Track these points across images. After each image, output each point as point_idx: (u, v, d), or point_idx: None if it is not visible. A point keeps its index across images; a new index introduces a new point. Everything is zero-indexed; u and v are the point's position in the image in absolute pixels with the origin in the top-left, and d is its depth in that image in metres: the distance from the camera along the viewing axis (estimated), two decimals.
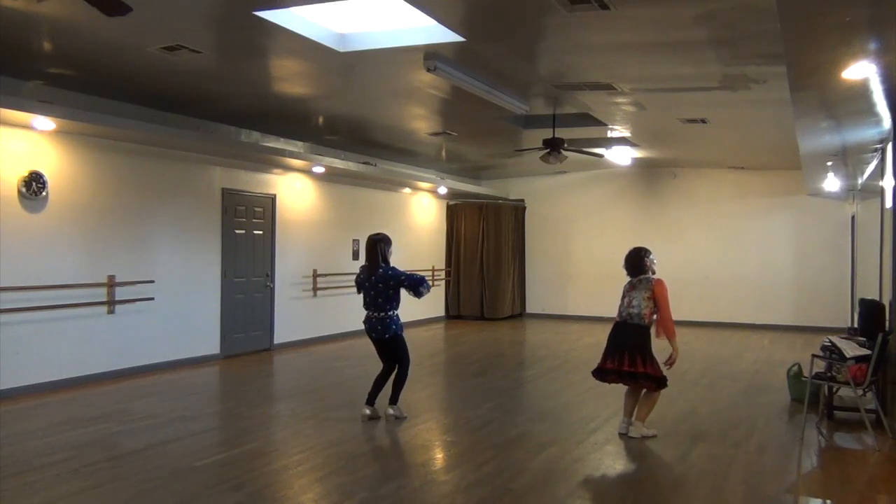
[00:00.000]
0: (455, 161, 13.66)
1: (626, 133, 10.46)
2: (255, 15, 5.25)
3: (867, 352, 5.88)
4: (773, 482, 4.78)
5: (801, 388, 6.77)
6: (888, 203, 7.24)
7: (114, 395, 7.26)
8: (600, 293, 13.34)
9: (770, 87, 6.88)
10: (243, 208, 9.90)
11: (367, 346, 6.72)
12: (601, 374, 5.81)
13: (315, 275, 11.06)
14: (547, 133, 9.44)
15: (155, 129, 7.97)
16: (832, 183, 11.68)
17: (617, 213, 14.55)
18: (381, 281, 6.18)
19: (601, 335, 6.14)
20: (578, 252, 14.92)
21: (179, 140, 8.45)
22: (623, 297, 5.84)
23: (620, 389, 6.02)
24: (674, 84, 7.30)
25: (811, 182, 11.81)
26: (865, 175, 10.20)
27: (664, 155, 12.84)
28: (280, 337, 10.46)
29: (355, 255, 11.79)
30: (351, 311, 12.29)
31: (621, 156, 12.25)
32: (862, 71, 4.84)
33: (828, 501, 4.67)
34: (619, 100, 8.13)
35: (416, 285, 6.21)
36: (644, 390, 5.78)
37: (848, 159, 9.17)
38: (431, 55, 6.14)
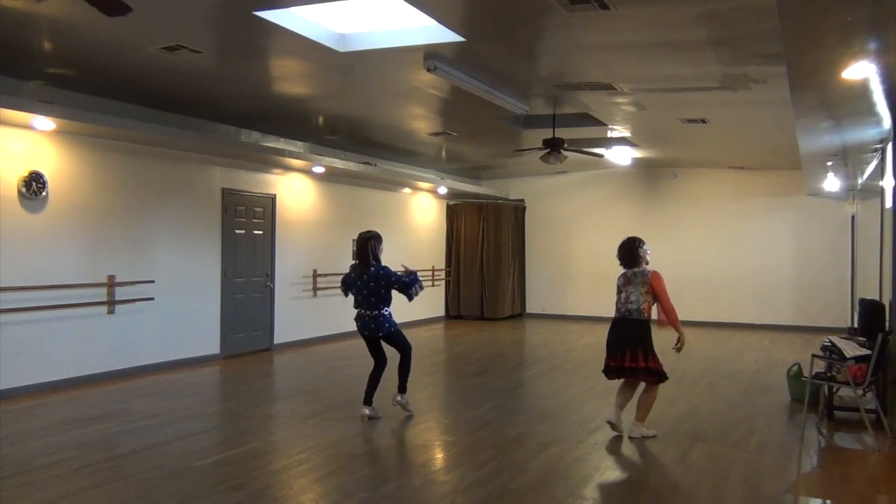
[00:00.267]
0: (455, 161, 13.66)
1: (626, 133, 10.46)
2: (255, 15, 5.25)
3: (867, 352, 5.88)
4: (773, 482, 4.78)
5: (801, 388, 6.77)
6: (888, 203, 7.24)
7: (114, 395, 7.26)
8: (600, 293, 13.31)
9: (770, 87, 6.88)
10: (243, 208, 9.90)
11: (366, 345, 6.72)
12: (607, 370, 5.80)
13: (315, 275, 11.06)
14: (547, 133, 9.44)
15: (155, 129, 7.97)
16: (832, 183, 11.68)
17: (617, 213, 14.54)
18: (373, 280, 6.14)
19: (601, 335, 6.13)
20: (578, 252, 14.91)
21: (179, 140, 8.45)
22: (619, 291, 5.79)
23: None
24: (674, 84, 7.30)
25: (811, 182, 11.81)
26: (865, 175, 10.19)
27: (664, 155, 12.84)
28: (280, 337, 10.46)
29: (355, 256, 11.77)
30: (351, 311, 12.30)
31: (621, 156, 12.25)
32: (862, 71, 4.84)
33: (828, 501, 4.68)
34: (619, 100, 8.13)
35: (408, 287, 6.17)
36: (643, 387, 5.77)
37: (848, 159, 9.17)
38: (431, 55, 6.13)
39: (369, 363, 6.42)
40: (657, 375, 5.66)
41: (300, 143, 10.81)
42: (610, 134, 10.41)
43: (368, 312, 6.19)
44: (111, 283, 8.00)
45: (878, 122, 6.71)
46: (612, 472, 4.98)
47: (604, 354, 5.84)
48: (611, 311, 5.83)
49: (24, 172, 7.11)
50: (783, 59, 4.71)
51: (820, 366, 6.20)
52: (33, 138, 7.24)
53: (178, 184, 8.90)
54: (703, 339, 11.95)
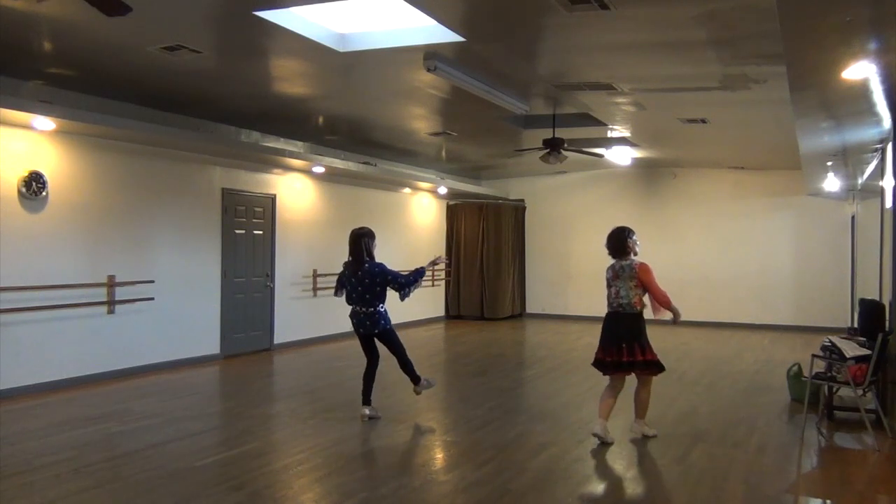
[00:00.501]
0: (455, 161, 13.66)
1: (626, 133, 10.46)
2: (255, 15, 5.25)
3: (867, 352, 5.88)
4: (773, 482, 4.78)
5: (801, 388, 6.76)
6: (888, 203, 7.24)
7: (114, 395, 7.27)
8: (601, 293, 13.20)
9: (770, 87, 6.88)
10: (243, 208, 9.90)
11: None
12: (602, 365, 5.71)
13: (315, 275, 11.06)
14: (547, 133, 9.44)
15: (155, 129, 7.97)
16: (832, 183, 11.68)
17: (617, 213, 14.47)
18: (367, 276, 6.11)
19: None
20: (578, 252, 14.91)
21: (179, 140, 8.45)
22: (609, 286, 5.70)
23: (624, 389, 5.99)
24: (674, 84, 7.30)
25: (811, 182, 11.81)
26: (865, 175, 10.20)
27: (664, 155, 12.84)
28: (280, 337, 10.46)
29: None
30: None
31: (621, 156, 12.25)
32: (862, 71, 4.84)
33: (828, 501, 4.68)
34: (619, 100, 8.13)
35: (404, 286, 6.14)
36: (633, 386, 5.72)
37: (848, 159, 9.17)
38: (431, 55, 6.13)
39: None
40: (655, 367, 5.64)
41: (300, 143, 10.81)
42: (610, 134, 10.41)
43: (363, 309, 6.17)
44: (111, 283, 8.00)
45: (878, 122, 6.71)
46: (612, 472, 4.98)
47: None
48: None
49: (24, 172, 7.11)
50: (783, 59, 4.71)
51: (820, 366, 6.19)
52: (33, 138, 7.24)
53: (178, 184, 8.90)
54: (703, 339, 11.95)
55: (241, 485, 4.56)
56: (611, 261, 5.82)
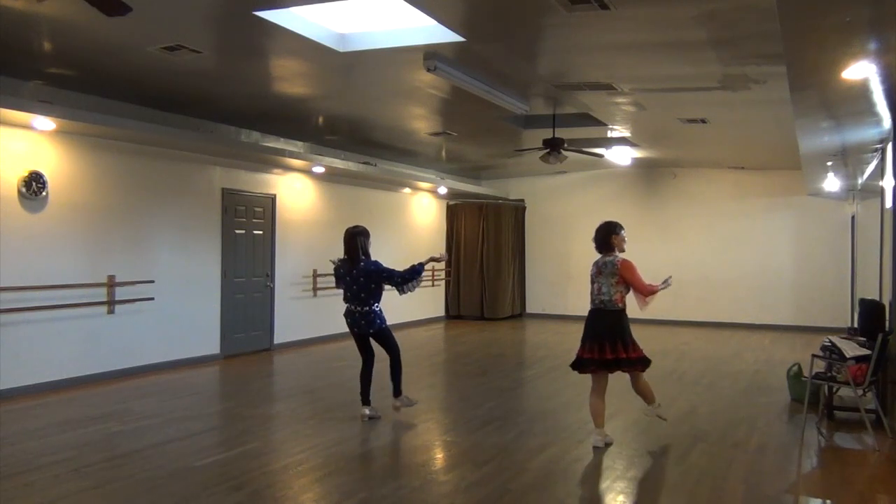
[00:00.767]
0: (455, 161, 13.66)
1: (626, 133, 10.46)
2: (255, 15, 5.26)
3: (867, 352, 5.88)
4: (773, 482, 4.78)
5: (801, 388, 6.76)
6: (888, 203, 7.24)
7: (114, 395, 7.27)
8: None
9: (770, 87, 6.88)
10: (243, 208, 9.90)
11: None
12: (579, 363, 5.50)
13: (315, 275, 11.06)
14: (547, 133, 9.44)
15: (155, 129, 7.97)
16: (832, 183, 11.68)
17: (617, 213, 14.31)
18: (362, 275, 6.08)
19: None
20: (578, 252, 14.88)
21: (179, 140, 8.45)
22: (592, 282, 5.54)
23: (620, 388, 5.99)
24: (674, 84, 7.30)
25: (811, 182, 11.82)
26: (865, 175, 10.20)
27: (664, 155, 12.84)
28: (280, 337, 10.46)
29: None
30: None
31: (621, 156, 12.25)
32: (862, 71, 4.84)
33: (828, 501, 4.67)
34: (619, 100, 8.13)
35: (401, 283, 6.07)
36: (630, 380, 5.66)
37: (848, 159, 9.17)
38: (431, 55, 6.13)
39: None
40: (639, 363, 5.48)
41: (300, 143, 10.81)
42: (610, 134, 10.41)
43: (359, 308, 6.13)
44: (111, 283, 8.00)
45: (878, 122, 6.71)
46: (612, 472, 4.98)
47: None
48: None
49: (24, 172, 7.11)
50: (783, 59, 4.71)
51: (820, 366, 6.20)
52: (33, 138, 7.24)
53: (178, 184, 8.90)
54: (703, 339, 11.96)
55: (241, 485, 4.56)
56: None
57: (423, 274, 6.25)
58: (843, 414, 6.45)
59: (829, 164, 9.69)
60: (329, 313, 11.21)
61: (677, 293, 14.50)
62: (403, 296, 6.40)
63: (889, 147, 7.14)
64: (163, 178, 8.68)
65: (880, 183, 8.04)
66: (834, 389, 6.29)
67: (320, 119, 9.57)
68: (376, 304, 6.16)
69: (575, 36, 5.82)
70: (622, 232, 5.58)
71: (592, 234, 5.61)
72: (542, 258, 15.47)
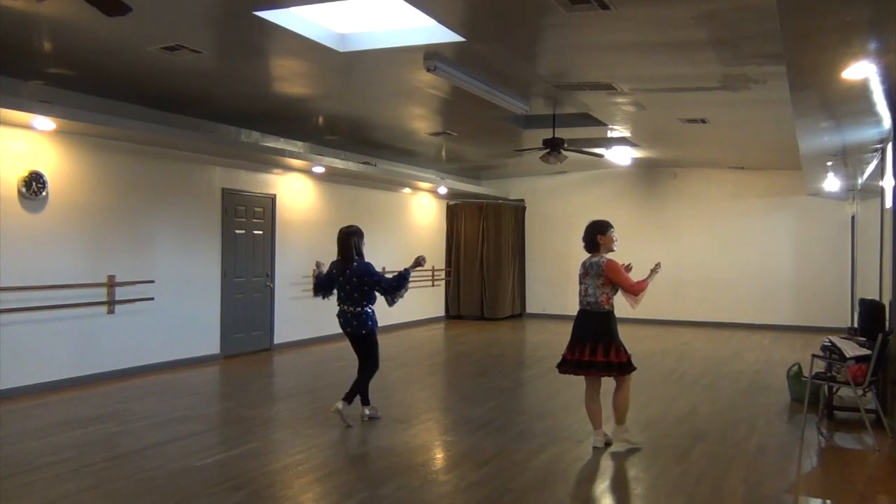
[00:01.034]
0: (455, 161, 13.66)
1: (626, 133, 10.46)
2: (255, 15, 5.26)
3: (867, 352, 5.88)
4: (773, 482, 4.78)
5: (801, 388, 6.76)
6: (888, 203, 7.24)
7: (114, 395, 7.27)
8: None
9: (770, 87, 6.88)
10: (243, 208, 9.90)
11: None
12: (563, 364, 5.43)
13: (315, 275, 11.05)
14: (547, 133, 9.44)
15: (155, 129, 7.97)
16: (832, 183, 11.68)
17: (617, 213, 14.45)
18: (356, 275, 6.03)
19: None
20: (578, 252, 14.71)
21: (179, 140, 8.45)
22: (580, 282, 5.47)
23: None
24: (674, 84, 7.30)
25: (811, 182, 11.82)
26: (865, 175, 10.20)
27: (664, 155, 12.84)
28: (280, 337, 10.46)
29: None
30: None
31: (621, 156, 12.25)
32: (862, 71, 4.84)
33: (828, 501, 4.67)
34: (619, 100, 8.13)
35: (392, 291, 5.99)
36: (614, 386, 5.44)
37: (848, 159, 9.17)
38: (431, 55, 6.13)
39: None
40: (619, 368, 5.28)
41: (300, 143, 10.81)
42: (610, 134, 10.41)
43: (351, 309, 6.07)
44: (111, 283, 8.00)
45: (878, 122, 6.72)
46: (611, 472, 4.98)
47: None
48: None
49: (24, 172, 7.11)
50: (783, 59, 4.71)
51: (820, 366, 6.20)
52: (33, 138, 7.24)
53: (178, 184, 8.90)
54: (703, 339, 11.96)
55: (241, 485, 4.56)
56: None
57: (409, 282, 6.12)
58: (843, 414, 6.45)
59: (829, 164, 9.69)
60: (329, 313, 11.13)
61: (677, 293, 14.69)
62: (392, 307, 6.28)
63: (889, 147, 7.14)
64: (163, 178, 8.68)
65: (880, 183, 8.04)
66: (834, 389, 6.29)
67: (320, 119, 9.57)
68: (369, 306, 6.10)
69: (575, 36, 5.82)
70: (610, 231, 5.46)
71: (615, 236, 5.50)
72: (542, 258, 15.46)
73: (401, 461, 5.20)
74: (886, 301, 6.90)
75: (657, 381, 8.33)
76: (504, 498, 4.40)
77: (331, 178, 11.36)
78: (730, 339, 12.04)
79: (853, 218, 12.77)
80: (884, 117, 6.49)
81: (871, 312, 6.75)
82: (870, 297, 7.83)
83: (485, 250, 15.14)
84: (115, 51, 6.23)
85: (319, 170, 10.69)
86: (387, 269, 12.72)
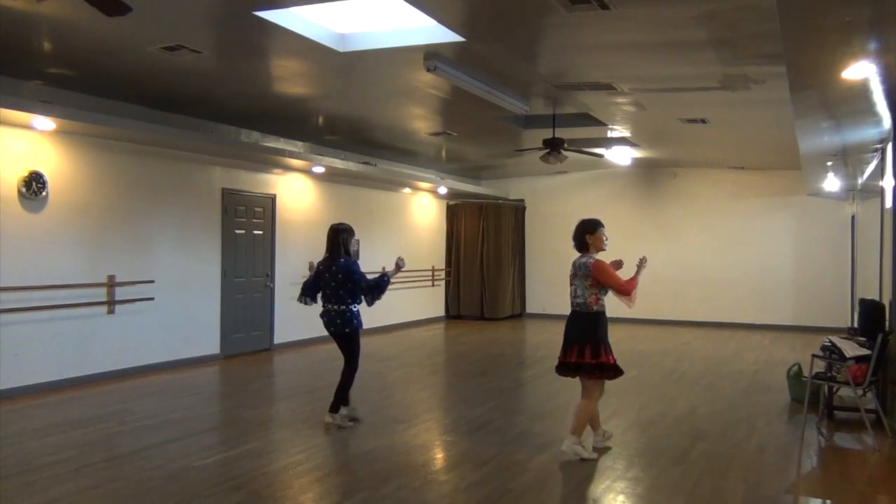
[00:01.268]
0: (455, 161, 13.66)
1: (626, 133, 10.46)
2: (255, 15, 5.26)
3: (867, 352, 5.88)
4: (773, 482, 4.78)
5: (801, 388, 6.76)
6: (888, 203, 7.24)
7: (114, 395, 7.26)
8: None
9: (770, 87, 6.88)
10: (243, 208, 9.90)
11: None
12: (558, 367, 5.35)
13: None
14: (547, 133, 9.44)
15: (155, 129, 7.98)
16: (832, 183, 11.68)
17: (617, 213, 14.51)
18: (341, 272, 5.94)
19: None
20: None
21: (179, 140, 8.45)
22: (570, 283, 5.31)
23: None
24: (674, 84, 7.30)
25: (811, 182, 11.82)
26: (865, 175, 10.20)
27: (664, 155, 12.84)
28: (280, 337, 10.46)
29: (355, 255, 11.77)
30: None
31: (621, 156, 12.25)
32: (862, 71, 4.84)
33: (828, 501, 4.67)
34: (619, 100, 8.13)
35: (370, 292, 5.91)
36: (581, 399, 5.31)
37: (848, 159, 9.17)
38: (431, 55, 6.13)
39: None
40: (604, 370, 5.15)
41: (300, 143, 10.81)
42: (610, 134, 10.41)
43: (335, 307, 5.97)
44: (111, 283, 8.00)
45: (878, 122, 6.72)
46: (612, 472, 4.97)
47: None
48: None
49: (24, 172, 7.11)
50: (783, 59, 4.71)
51: (820, 366, 6.19)
52: (33, 138, 7.24)
53: (178, 184, 8.90)
54: (703, 339, 11.95)
55: (241, 485, 4.56)
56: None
57: (389, 285, 6.03)
58: (843, 414, 6.45)
59: (829, 164, 9.69)
60: None
61: (677, 293, 14.69)
62: (370, 307, 6.18)
63: (889, 147, 7.14)
64: (163, 178, 8.68)
65: (880, 183, 8.04)
66: (834, 389, 6.29)
67: (320, 119, 9.57)
68: (354, 305, 5.99)
69: (575, 36, 5.82)
70: (600, 230, 5.29)
71: (605, 235, 5.42)
72: (542, 258, 15.46)
73: (401, 461, 5.20)
74: (886, 301, 6.90)
75: (657, 381, 8.33)
76: (504, 498, 4.40)
77: (331, 178, 11.36)
78: (730, 339, 12.04)
79: (853, 218, 12.77)
80: (884, 117, 6.50)
81: (871, 312, 6.75)
82: (870, 297, 7.83)
83: (485, 250, 15.14)
84: (115, 51, 6.23)
85: (319, 170, 10.69)
86: (387, 269, 12.74)
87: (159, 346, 8.59)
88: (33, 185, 7.19)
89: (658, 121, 9.42)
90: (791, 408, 6.93)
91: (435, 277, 14.71)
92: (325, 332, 6.18)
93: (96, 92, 7.66)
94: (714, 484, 4.72)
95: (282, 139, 10.44)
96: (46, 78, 7.11)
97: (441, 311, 15.13)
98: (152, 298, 8.42)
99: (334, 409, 6.03)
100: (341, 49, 6.15)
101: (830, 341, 6.30)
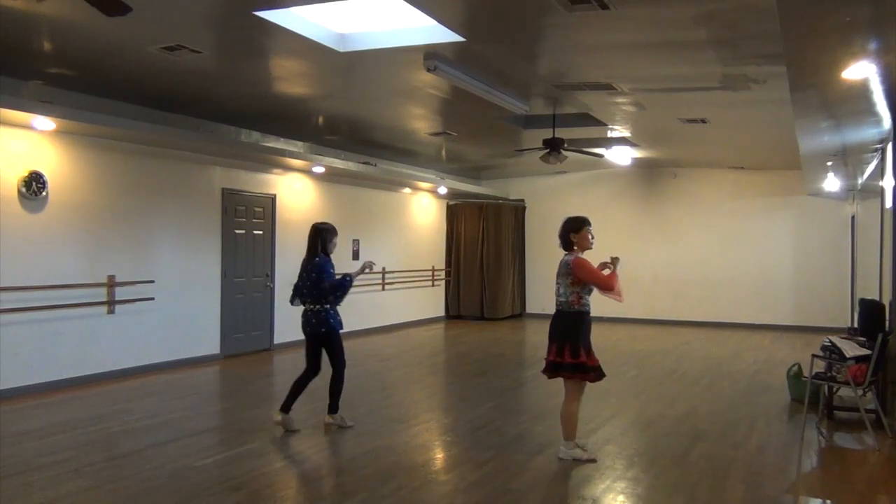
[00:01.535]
0: (455, 161, 13.66)
1: (626, 133, 10.46)
2: (255, 15, 5.26)
3: (867, 352, 5.88)
4: (773, 482, 4.78)
5: (801, 388, 6.77)
6: (888, 203, 7.24)
7: (114, 395, 7.27)
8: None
9: (770, 87, 6.88)
10: (243, 208, 9.90)
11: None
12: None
13: None
14: (547, 133, 9.44)
15: (155, 129, 7.98)
16: (832, 183, 11.69)
17: (617, 213, 14.54)
18: (315, 270, 5.86)
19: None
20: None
21: (179, 140, 8.45)
22: (556, 282, 5.22)
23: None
24: (674, 84, 7.30)
25: (811, 182, 11.82)
26: (865, 175, 10.20)
27: (664, 155, 12.84)
28: (280, 337, 10.46)
29: (355, 255, 11.80)
30: (350, 312, 12.29)
31: (621, 156, 12.25)
32: (862, 71, 4.85)
33: (828, 501, 4.68)
34: (619, 100, 8.13)
35: (332, 292, 5.78)
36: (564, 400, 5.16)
37: (848, 159, 9.17)
38: (431, 55, 6.13)
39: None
40: (583, 371, 5.03)
41: (300, 143, 10.81)
42: (610, 134, 10.42)
43: (312, 307, 5.88)
44: (111, 283, 8.00)
45: (878, 122, 6.72)
46: (612, 472, 4.97)
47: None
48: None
49: (24, 172, 7.12)
50: (783, 59, 4.71)
51: (820, 366, 6.20)
52: (33, 138, 7.24)
53: (178, 184, 8.90)
54: (703, 339, 11.95)
55: (241, 485, 4.56)
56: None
57: (351, 287, 5.92)
58: (843, 414, 6.45)
59: (829, 164, 9.69)
60: None
61: (677, 293, 14.70)
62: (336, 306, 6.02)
63: (889, 147, 7.14)
64: (163, 178, 8.68)
65: (880, 183, 8.04)
66: (834, 389, 6.29)
67: (320, 119, 9.57)
68: (331, 304, 5.89)
69: (575, 36, 5.83)
70: (585, 229, 5.17)
71: (594, 234, 5.40)
72: (542, 258, 15.43)
73: (401, 461, 5.20)
74: (886, 301, 6.90)
75: (657, 381, 8.33)
76: (504, 498, 4.40)
77: (331, 178, 11.36)
78: (730, 339, 12.04)
79: (853, 218, 12.78)
80: (884, 117, 6.50)
81: (871, 312, 6.75)
82: (870, 297, 7.83)
83: (485, 250, 15.15)
84: (115, 51, 6.23)
85: (319, 170, 10.69)
86: (387, 269, 12.77)
87: (159, 346, 8.59)
88: (33, 185, 7.19)
89: (658, 121, 9.42)
90: (791, 408, 6.93)
91: (435, 277, 14.71)
92: None
93: (96, 92, 7.66)
94: (714, 484, 4.72)
95: (282, 139, 10.44)
96: (46, 78, 7.11)
97: (441, 311, 15.13)
98: (152, 298, 8.42)
99: (332, 409, 6.02)
100: (341, 49, 6.15)
101: (830, 341, 6.30)
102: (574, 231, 5.17)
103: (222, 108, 8.69)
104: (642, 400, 7.28)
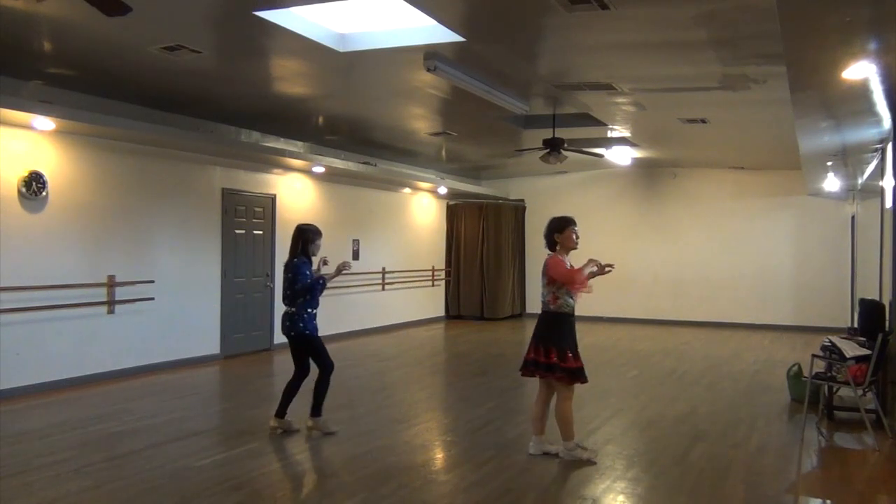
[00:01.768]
0: (455, 161, 13.66)
1: (626, 133, 10.46)
2: (255, 15, 5.25)
3: (867, 352, 5.88)
4: (773, 482, 4.78)
5: (801, 388, 6.77)
6: (888, 203, 7.24)
7: (114, 395, 7.26)
8: (599, 293, 13.34)
9: (770, 87, 6.88)
10: (243, 208, 9.90)
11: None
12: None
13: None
14: (547, 133, 9.44)
15: (155, 129, 7.98)
16: (832, 183, 11.68)
17: (617, 213, 14.55)
18: (290, 271, 5.80)
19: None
20: (578, 252, 14.83)
21: (179, 140, 8.45)
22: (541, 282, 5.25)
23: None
24: (674, 84, 7.30)
25: (811, 182, 11.82)
26: (865, 175, 10.20)
27: (664, 155, 12.84)
28: (280, 337, 10.37)
29: (355, 255, 11.79)
30: (350, 312, 12.32)
31: (621, 156, 12.25)
32: (862, 71, 4.85)
33: (828, 501, 4.68)
34: (619, 100, 8.13)
35: (303, 294, 5.72)
36: (553, 399, 5.22)
37: (848, 159, 9.17)
38: (431, 55, 6.13)
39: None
40: (562, 372, 5.03)
41: (300, 143, 10.81)
42: (610, 134, 10.41)
43: (288, 309, 5.80)
44: (111, 283, 8.00)
45: (878, 122, 6.72)
46: (611, 472, 4.98)
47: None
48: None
49: (24, 172, 7.12)
50: (783, 59, 4.71)
51: (820, 366, 6.20)
52: (33, 138, 7.24)
53: (178, 184, 8.90)
54: (703, 339, 11.95)
55: (240, 485, 4.56)
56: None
57: (324, 288, 5.87)
58: (843, 414, 6.45)
59: (829, 164, 9.69)
60: (328, 313, 11.19)
61: (677, 293, 14.70)
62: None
63: (889, 147, 7.14)
64: (163, 178, 8.68)
65: (880, 183, 8.04)
66: (834, 389, 6.29)
67: (320, 119, 9.57)
68: (307, 307, 5.78)
69: (575, 36, 5.83)
70: (569, 229, 5.14)
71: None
72: (543, 258, 15.21)
73: (401, 461, 5.20)
74: (886, 301, 6.89)
75: (657, 381, 8.33)
76: (504, 498, 4.40)
77: (331, 178, 11.36)
78: (730, 339, 12.03)
79: (853, 218, 12.77)
80: (884, 117, 6.50)
81: (871, 312, 6.75)
82: (870, 297, 7.83)
83: (485, 250, 15.14)
84: (115, 51, 6.23)
85: (319, 170, 10.69)
86: (387, 269, 12.77)
87: (159, 346, 8.59)
88: (33, 185, 7.19)
89: (658, 121, 9.42)
90: (791, 408, 6.93)
91: (435, 277, 14.71)
92: (324, 333, 6.11)
93: (96, 92, 7.66)
94: (714, 484, 4.72)
95: (282, 139, 10.43)
96: (46, 78, 7.11)
97: (441, 311, 15.13)
98: (152, 298, 8.42)
99: (315, 412, 5.84)
100: (341, 49, 6.15)
101: (830, 341, 6.30)
102: (558, 231, 5.16)
103: (222, 108, 8.69)
104: (642, 400, 7.28)
